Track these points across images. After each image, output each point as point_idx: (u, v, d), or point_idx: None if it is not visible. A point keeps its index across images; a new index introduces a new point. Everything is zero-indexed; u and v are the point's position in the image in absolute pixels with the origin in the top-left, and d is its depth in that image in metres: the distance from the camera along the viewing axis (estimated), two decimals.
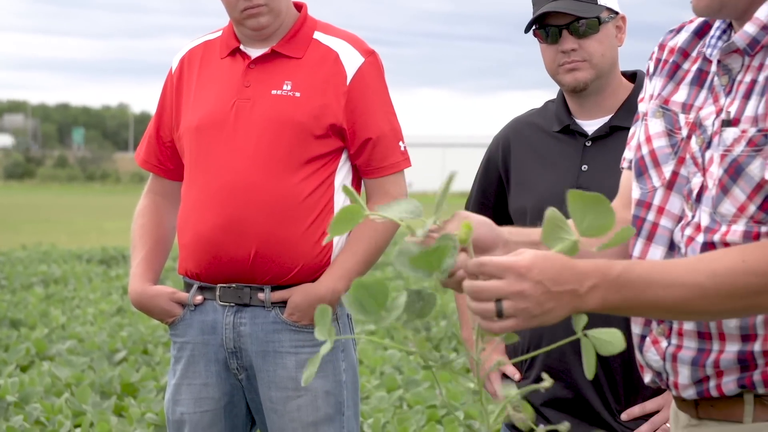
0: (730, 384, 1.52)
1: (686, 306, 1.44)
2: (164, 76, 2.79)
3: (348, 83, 2.64)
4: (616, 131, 2.47)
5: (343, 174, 2.66)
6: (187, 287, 2.70)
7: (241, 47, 2.69)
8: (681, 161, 1.61)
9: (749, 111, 1.53)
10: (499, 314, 1.40)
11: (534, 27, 2.48)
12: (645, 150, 1.65)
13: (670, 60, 1.68)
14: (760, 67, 1.54)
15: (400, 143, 2.71)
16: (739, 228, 1.51)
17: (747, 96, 1.54)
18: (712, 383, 1.54)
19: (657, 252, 1.60)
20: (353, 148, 2.66)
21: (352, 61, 2.65)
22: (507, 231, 1.58)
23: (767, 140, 1.50)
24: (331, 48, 2.67)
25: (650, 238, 1.62)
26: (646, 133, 1.66)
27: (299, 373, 2.60)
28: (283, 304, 2.62)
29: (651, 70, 1.71)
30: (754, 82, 1.54)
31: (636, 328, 1.63)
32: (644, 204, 1.63)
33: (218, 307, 2.64)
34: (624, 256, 1.64)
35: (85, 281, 11.80)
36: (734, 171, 1.52)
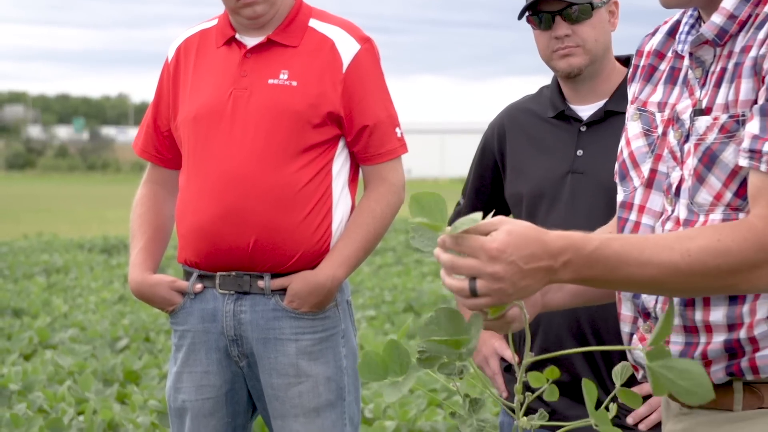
0: (718, 372, 1.52)
1: (661, 284, 1.44)
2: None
3: (344, 71, 2.64)
4: (610, 116, 2.48)
5: (340, 162, 2.67)
6: (187, 275, 2.71)
7: (237, 36, 2.69)
8: (658, 158, 1.61)
9: (720, 99, 1.53)
10: (473, 293, 1.41)
11: (527, 13, 2.49)
12: (625, 153, 1.66)
13: (647, 64, 1.69)
14: (730, 55, 1.54)
15: (397, 129, 2.72)
16: (716, 217, 1.52)
17: (718, 85, 1.55)
18: None
19: None
20: (350, 136, 2.67)
21: (348, 49, 2.66)
22: None
23: (739, 126, 1.50)
24: (327, 36, 2.67)
25: None
26: (626, 137, 1.67)
27: (300, 360, 2.62)
28: (282, 291, 2.63)
29: (630, 77, 1.73)
30: (724, 70, 1.54)
31: (624, 327, 1.63)
32: (626, 205, 1.64)
33: (218, 295, 2.65)
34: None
35: (86, 270, 11.84)
36: (708, 159, 1.52)
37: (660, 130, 1.62)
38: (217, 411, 2.68)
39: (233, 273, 2.64)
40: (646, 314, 1.60)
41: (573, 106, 2.52)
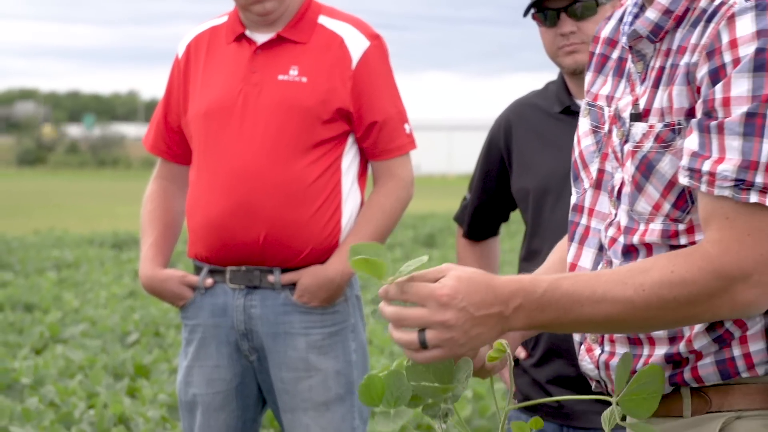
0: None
1: (617, 322, 1.38)
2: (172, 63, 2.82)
3: (354, 67, 2.66)
4: None
5: (350, 157, 2.69)
6: (197, 270, 2.73)
7: (247, 33, 2.71)
8: (605, 157, 1.53)
9: (657, 103, 1.46)
10: (423, 345, 1.33)
11: (532, 10, 2.50)
12: (576, 153, 1.58)
13: (600, 52, 1.59)
14: (668, 53, 1.46)
15: (406, 125, 2.74)
16: (656, 227, 1.45)
17: (656, 85, 1.47)
18: None
19: (588, 255, 1.54)
20: (359, 132, 2.69)
21: (357, 45, 2.68)
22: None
23: (675, 135, 1.43)
24: (336, 32, 2.69)
25: (582, 242, 1.56)
26: (577, 135, 1.59)
27: (310, 354, 2.64)
28: (292, 286, 2.65)
29: (587, 66, 1.63)
30: (662, 69, 1.46)
31: (575, 336, 1.58)
32: (578, 208, 1.57)
33: (228, 289, 2.67)
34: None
35: (97, 265, 11.87)
36: (645, 168, 1.45)
37: (606, 127, 1.54)
38: (227, 405, 2.70)
39: (243, 268, 2.66)
40: None
41: (579, 102, 2.54)
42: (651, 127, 1.45)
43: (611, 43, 1.58)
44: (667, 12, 1.46)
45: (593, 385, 1.59)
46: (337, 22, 2.71)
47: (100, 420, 4.67)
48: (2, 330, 7.44)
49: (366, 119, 2.67)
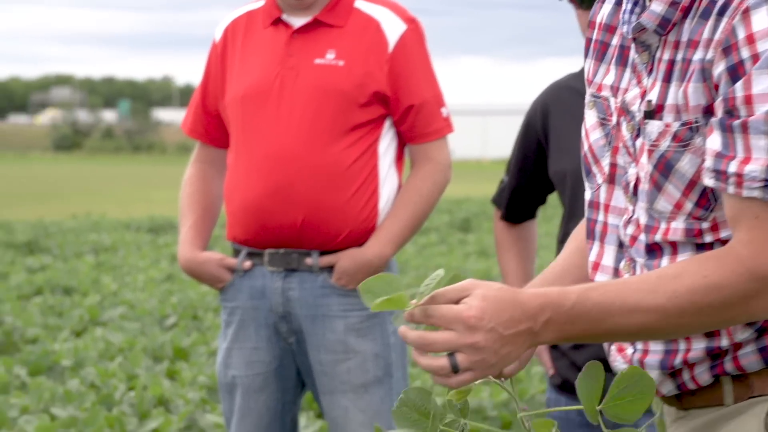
0: (704, 375, 1.45)
1: (650, 329, 1.35)
2: (208, 49, 2.84)
3: (390, 51, 2.67)
4: None
5: (387, 141, 2.70)
6: (236, 253, 2.75)
7: (283, 17, 2.73)
8: (615, 151, 1.49)
9: (671, 99, 1.40)
10: (455, 369, 1.30)
11: None
12: (585, 147, 1.53)
13: (599, 39, 1.52)
14: (677, 45, 1.40)
15: (443, 109, 2.74)
16: (679, 226, 1.42)
17: (667, 79, 1.41)
18: (686, 376, 1.46)
19: (610, 253, 1.51)
20: (396, 115, 2.69)
21: (394, 29, 2.68)
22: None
23: (692, 134, 1.39)
24: (373, 16, 2.70)
25: (602, 239, 1.51)
26: (584, 128, 1.53)
27: (348, 337, 2.65)
28: (330, 268, 2.66)
29: (584, 51, 1.56)
30: (672, 62, 1.41)
31: None
32: (593, 204, 1.53)
33: (267, 272, 2.69)
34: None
35: (134, 249, 11.99)
36: (664, 167, 1.41)
37: (614, 119, 1.49)
38: (266, 387, 2.73)
39: (282, 250, 2.68)
40: None
41: None
42: (667, 125, 1.41)
43: (609, 29, 1.52)
44: (674, 4, 1.40)
45: None
46: (374, 6, 2.71)
47: (140, 402, 4.73)
48: (42, 313, 7.54)
49: (403, 103, 2.68)
